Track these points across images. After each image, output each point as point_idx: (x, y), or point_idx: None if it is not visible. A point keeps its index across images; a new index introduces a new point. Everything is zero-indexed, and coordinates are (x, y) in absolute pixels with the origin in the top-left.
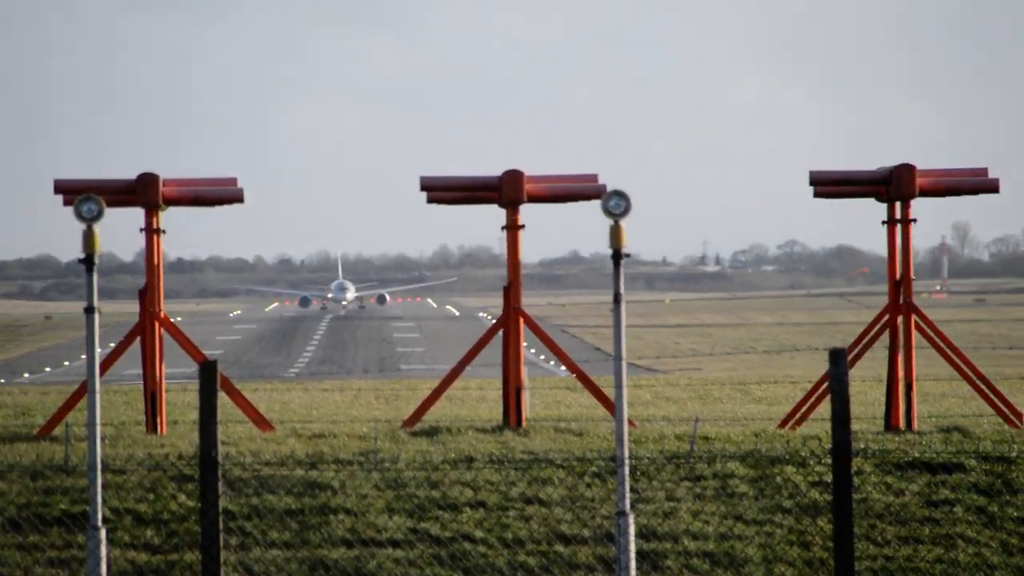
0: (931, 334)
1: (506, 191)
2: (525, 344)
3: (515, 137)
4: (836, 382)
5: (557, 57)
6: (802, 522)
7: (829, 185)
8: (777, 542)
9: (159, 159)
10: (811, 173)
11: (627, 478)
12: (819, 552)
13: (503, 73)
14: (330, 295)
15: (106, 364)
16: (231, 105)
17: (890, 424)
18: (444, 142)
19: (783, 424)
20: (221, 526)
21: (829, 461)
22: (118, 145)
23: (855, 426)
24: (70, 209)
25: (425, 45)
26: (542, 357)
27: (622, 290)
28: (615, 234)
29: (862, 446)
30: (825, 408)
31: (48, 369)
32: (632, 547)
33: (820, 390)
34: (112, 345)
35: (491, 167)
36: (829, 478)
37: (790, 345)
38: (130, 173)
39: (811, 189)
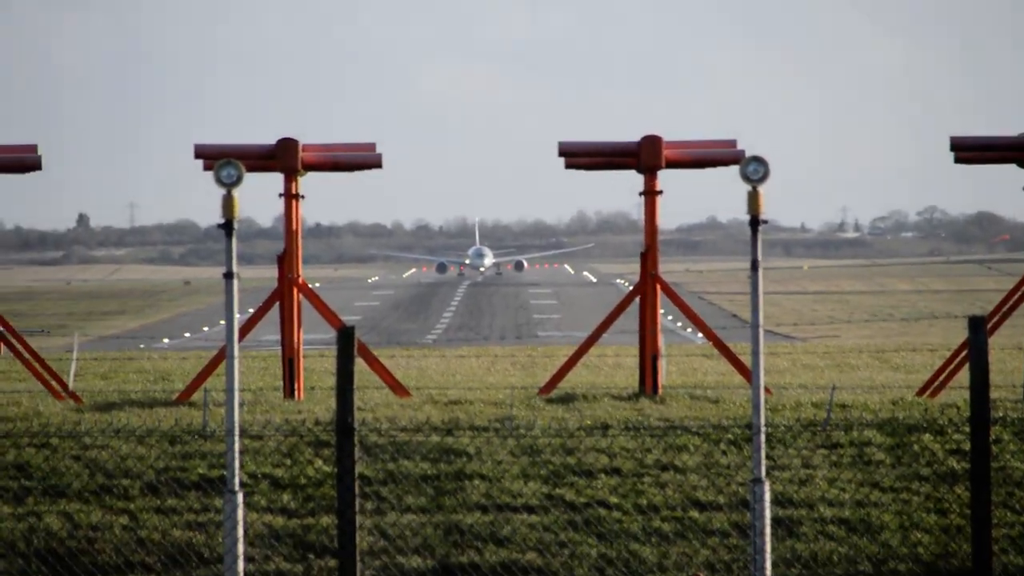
0: None
1: (644, 157)
2: (662, 311)
3: (651, 102)
4: (976, 350)
5: (694, 21)
6: (939, 490)
7: (970, 151)
8: (914, 509)
9: (297, 124)
10: (952, 139)
11: (763, 445)
12: (956, 519)
13: (640, 37)
14: (467, 261)
15: (244, 330)
16: (370, 70)
17: None
18: (580, 107)
19: (921, 392)
20: (357, 491)
21: (967, 429)
22: (258, 110)
23: (994, 394)
24: (210, 174)
25: (560, 6)
26: (679, 324)
27: (760, 257)
28: (753, 200)
29: (1001, 414)
30: (964, 376)
31: (187, 334)
32: (767, 513)
33: (959, 358)
34: (251, 311)
35: (628, 132)
36: (967, 446)
37: (929, 313)
38: (270, 138)
39: (952, 155)
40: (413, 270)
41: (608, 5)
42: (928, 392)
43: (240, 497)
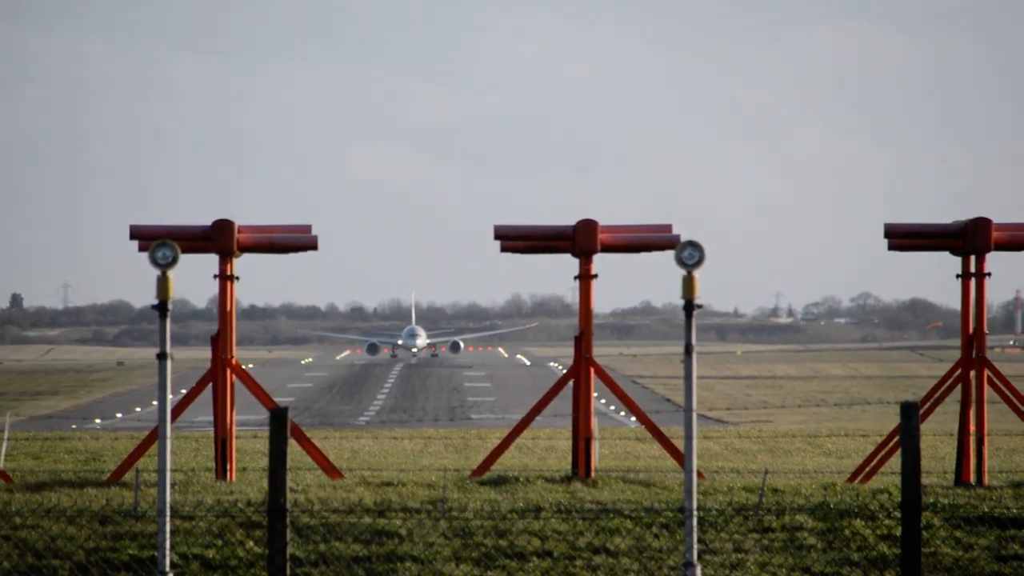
0: (1003, 389)
1: (580, 241)
2: (596, 394)
3: (586, 187)
4: (907, 436)
5: (629, 107)
6: (870, 575)
7: (904, 238)
8: None
9: (231, 206)
10: (886, 225)
11: (695, 529)
12: None
13: (576, 123)
14: (400, 342)
15: (177, 410)
16: (302, 152)
17: (960, 479)
18: (514, 191)
19: (853, 477)
20: (288, 572)
21: (899, 515)
22: (194, 191)
23: (925, 480)
24: (145, 255)
25: (496, 92)
26: (612, 408)
27: (694, 341)
28: (688, 285)
29: (932, 500)
30: (896, 462)
31: (119, 415)
32: None
33: (891, 444)
34: (184, 391)
35: (563, 216)
36: (898, 532)
37: (861, 398)
38: (205, 220)
39: (886, 242)
40: (347, 352)
41: (539, 88)
42: (860, 477)
43: None
